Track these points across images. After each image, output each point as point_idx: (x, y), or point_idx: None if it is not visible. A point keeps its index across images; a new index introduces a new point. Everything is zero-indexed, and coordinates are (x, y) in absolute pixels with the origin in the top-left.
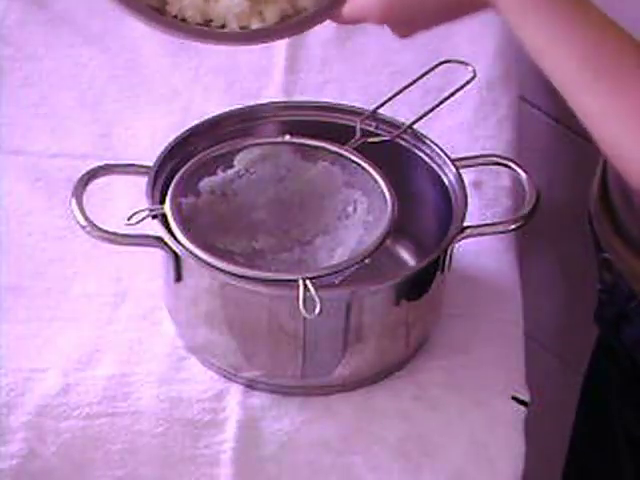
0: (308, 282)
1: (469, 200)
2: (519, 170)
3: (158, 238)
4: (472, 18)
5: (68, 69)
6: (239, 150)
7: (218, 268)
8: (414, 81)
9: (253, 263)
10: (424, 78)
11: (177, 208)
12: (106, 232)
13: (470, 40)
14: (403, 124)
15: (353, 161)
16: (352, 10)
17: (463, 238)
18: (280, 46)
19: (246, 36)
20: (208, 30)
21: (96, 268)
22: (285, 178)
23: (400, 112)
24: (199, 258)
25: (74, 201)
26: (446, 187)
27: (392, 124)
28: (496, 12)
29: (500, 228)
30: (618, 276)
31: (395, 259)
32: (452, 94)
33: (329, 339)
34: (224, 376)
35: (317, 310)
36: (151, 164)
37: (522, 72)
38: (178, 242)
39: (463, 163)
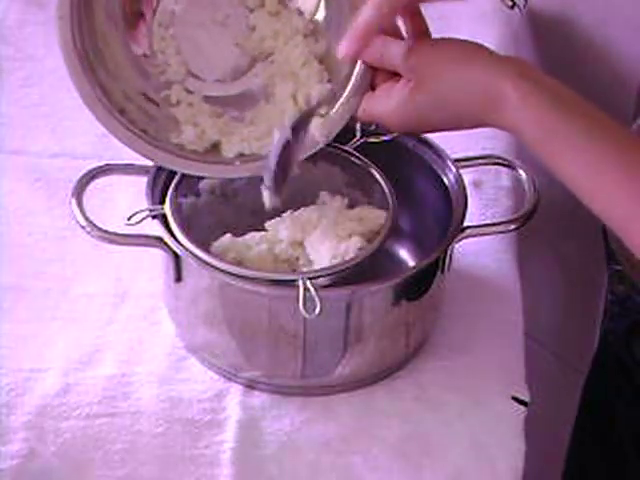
0: (308, 282)
1: (469, 200)
2: (519, 170)
3: (158, 238)
4: (472, 18)
5: None
6: None
7: (218, 268)
8: None
9: None
10: None
11: (177, 208)
12: (106, 232)
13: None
14: None
15: (353, 161)
16: (368, 115)
17: (463, 238)
18: None
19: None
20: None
21: (96, 268)
22: None
23: None
24: (199, 258)
25: (74, 201)
26: (446, 187)
27: None
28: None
29: (500, 228)
30: (631, 288)
31: (395, 259)
32: None
33: (329, 339)
34: (224, 376)
35: (317, 310)
36: (151, 164)
37: None
38: (178, 242)
39: (463, 163)
